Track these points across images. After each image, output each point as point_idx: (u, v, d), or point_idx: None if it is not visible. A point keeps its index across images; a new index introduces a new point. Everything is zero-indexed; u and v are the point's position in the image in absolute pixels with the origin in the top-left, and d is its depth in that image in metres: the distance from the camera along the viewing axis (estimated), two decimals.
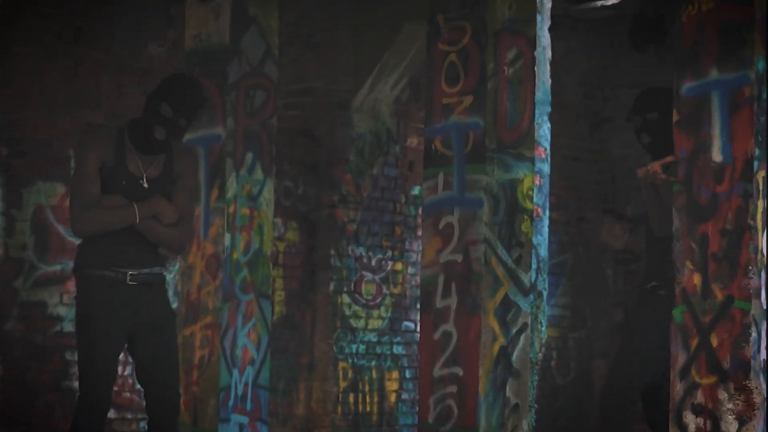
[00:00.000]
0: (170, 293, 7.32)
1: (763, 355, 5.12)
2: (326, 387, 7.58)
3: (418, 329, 6.98)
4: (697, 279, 5.20)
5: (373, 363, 7.78)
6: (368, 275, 7.76)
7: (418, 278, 7.70)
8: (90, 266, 4.86)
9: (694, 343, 5.19)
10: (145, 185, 4.90)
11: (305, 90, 7.66)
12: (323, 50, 7.65)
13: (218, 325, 6.22)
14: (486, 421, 5.34)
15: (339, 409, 7.60)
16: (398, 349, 7.90)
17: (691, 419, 5.16)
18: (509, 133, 5.42)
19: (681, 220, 5.31)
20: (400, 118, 7.89)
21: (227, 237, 6.24)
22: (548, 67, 5.47)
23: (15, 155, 6.89)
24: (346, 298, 7.66)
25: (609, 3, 7.27)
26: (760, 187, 5.13)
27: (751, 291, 5.08)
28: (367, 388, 7.72)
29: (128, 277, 4.85)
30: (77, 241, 5.05)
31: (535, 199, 5.41)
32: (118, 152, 4.87)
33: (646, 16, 7.89)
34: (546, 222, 5.46)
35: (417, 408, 5.85)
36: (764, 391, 5.11)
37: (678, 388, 5.21)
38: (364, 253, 7.74)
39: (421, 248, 5.92)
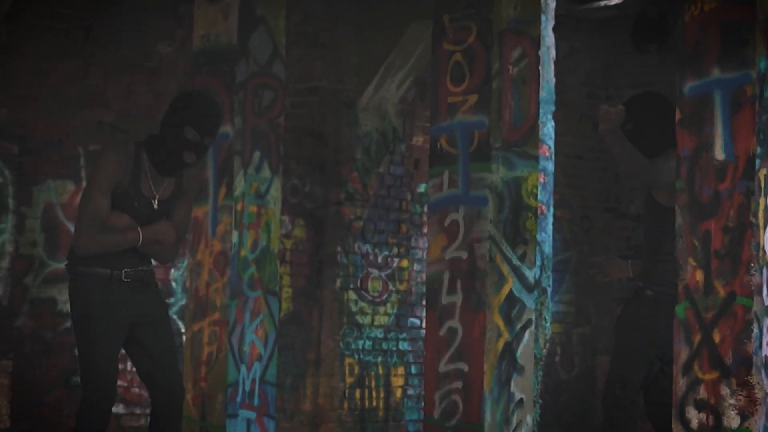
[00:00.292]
0: (179, 290, 7.40)
1: (764, 351, 5.07)
2: (333, 383, 7.57)
3: (424, 325, 6.97)
4: (699, 276, 5.17)
5: (380, 359, 7.77)
6: (374, 272, 7.75)
7: (423, 275, 7.70)
8: (84, 264, 4.85)
9: (697, 339, 5.16)
10: (156, 207, 4.90)
11: (312, 89, 7.63)
12: (329, 50, 7.63)
13: (226, 321, 6.22)
14: (491, 417, 5.34)
15: (345, 405, 7.59)
16: (404, 345, 7.89)
17: (693, 414, 5.14)
18: (514, 131, 5.43)
19: (684, 218, 5.27)
20: (406, 117, 7.87)
21: (235, 234, 6.25)
22: (552, 67, 5.48)
23: (25, 154, 6.92)
24: (352, 295, 7.65)
25: (612, 3, 7.23)
26: (762, 185, 5.10)
27: (753, 288, 5.05)
28: (373, 384, 7.71)
29: (123, 275, 4.85)
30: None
31: (539, 197, 5.43)
32: (133, 173, 4.84)
33: (649, 16, 7.86)
34: (550, 219, 5.48)
35: (423, 403, 5.85)
36: (766, 387, 5.08)
37: (681, 383, 5.18)
38: (370, 250, 7.73)
39: (426, 245, 5.90)
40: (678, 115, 5.36)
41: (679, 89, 5.35)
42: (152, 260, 5.05)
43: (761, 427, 5.06)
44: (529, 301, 5.39)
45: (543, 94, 5.44)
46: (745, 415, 5.05)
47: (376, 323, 7.78)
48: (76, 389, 7.01)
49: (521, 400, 5.37)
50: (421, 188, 7.92)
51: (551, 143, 5.49)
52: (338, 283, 7.62)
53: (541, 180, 5.43)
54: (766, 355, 5.11)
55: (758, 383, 5.05)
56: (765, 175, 5.15)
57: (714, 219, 5.19)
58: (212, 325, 6.30)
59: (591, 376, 8.52)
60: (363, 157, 7.72)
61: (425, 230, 7.64)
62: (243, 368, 6.24)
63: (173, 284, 7.39)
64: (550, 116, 5.48)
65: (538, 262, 5.41)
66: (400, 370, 7.87)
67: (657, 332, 5.66)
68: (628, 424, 5.84)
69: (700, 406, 5.15)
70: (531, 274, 5.39)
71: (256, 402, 6.29)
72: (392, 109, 7.83)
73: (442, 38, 5.59)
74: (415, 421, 7.86)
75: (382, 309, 7.81)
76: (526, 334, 5.38)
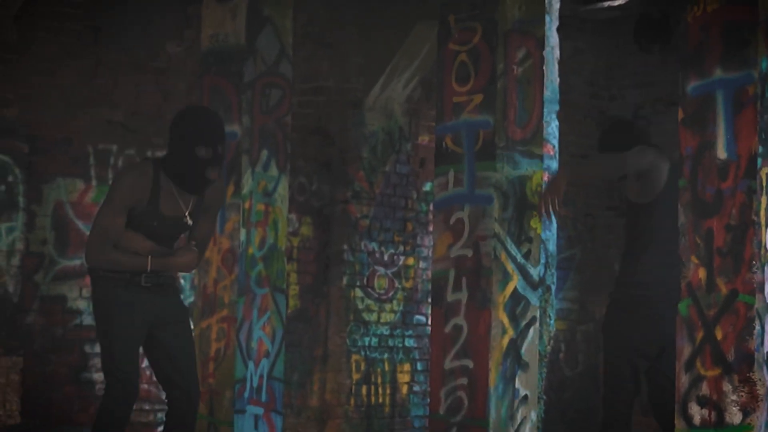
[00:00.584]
0: (187, 287, 7.43)
1: (766, 348, 5.04)
2: (339, 379, 7.59)
3: (430, 322, 6.99)
4: (702, 273, 5.17)
5: (386, 355, 7.78)
6: (381, 270, 7.77)
7: (429, 273, 7.72)
8: (105, 267, 4.84)
9: (699, 336, 5.16)
10: (189, 222, 4.90)
11: (318, 89, 7.65)
12: (336, 50, 7.64)
13: (234, 318, 6.24)
14: (495, 413, 5.33)
15: (352, 401, 7.61)
16: (410, 342, 7.90)
17: (696, 410, 5.14)
18: (518, 131, 5.42)
19: (686, 216, 5.25)
20: (412, 117, 7.88)
21: (243, 232, 6.27)
22: (556, 67, 5.47)
23: (35, 153, 6.92)
24: (358, 292, 7.67)
25: (615, 4, 7.20)
26: (764, 184, 5.10)
27: (755, 285, 5.06)
28: (379, 380, 7.73)
29: (143, 280, 4.86)
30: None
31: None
32: (152, 193, 4.82)
33: (652, 17, 7.86)
34: (554, 218, 5.47)
35: (428, 399, 5.85)
36: None
37: (683, 380, 5.18)
38: (376, 248, 7.74)
39: (432, 243, 5.87)
40: (681, 115, 5.36)
41: (681, 89, 5.34)
42: None
43: (763, 423, 5.05)
44: (534, 299, 5.38)
45: (547, 93, 5.43)
46: (747, 411, 5.05)
47: (382, 320, 7.79)
48: (86, 385, 7.06)
49: (526, 397, 5.38)
50: (427, 187, 7.93)
51: (555, 142, 5.47)
52: (345, 280, 7.64)
53: (546, 179, 5.41)
54: (767, 352, 5.14)
55: (760, 380, 5.05)
56: (767, 173, 5.17)
57: (716, 217, 5.19)
58: (220, 322, 6.32)
59: (595, 373, 8.52)
60: (369, 156, 7.72)
61: (431, 228, 7.66)
62: (251, 364, 6.26)
63: (182, 281, 7.42)
64: (554, 116, 5.46)
65: (543, 260, 5.40)
66: (406, 367, 7.89)
67: (638, 332, 5.71)
68: (623, 426, 5.86)
69: (703, 402, 5.15)
70: (535, 272, 5.39)
71: (263, 398, 6.31)
72: (398, 109, 7.84)
73: (447, 39, 5.57)
74: (420, 417, 7.87)
75: (388, 306, 7.82)
76: (531, 331, 5.39)
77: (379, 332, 7.78)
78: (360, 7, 7.64)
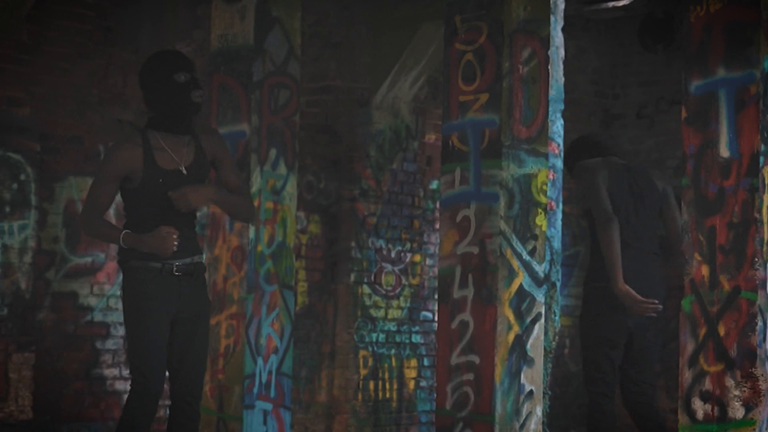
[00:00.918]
0: None
1: None
2: (347, 375, 7.59)
3: (436, 319, 7.06)
4: (705, 270, 5.22)
5: (393, 351, 7.78)
6: (388, 267, 7.76)
7: (435, 269, 7.74)
8: (136, 258, 4.80)
9: (702, 332, 5.21)
10: (185, 173, 4.83)
11: (326, 88, 7.64)
12: (343, 50, 7.63)
13: (243, 315, 6.24)
14: (501, 408, 5.34)
15: (359, 396, 7.61)
16: (417, 338, 7.89)
17: (699, 406, 5.19)
18: (524, 129, 5.43)
19: (689, 214, 5.28)
20: (419, 115, 7.86)
21: (252, 230, 6.27)
22: (561, 66, 5.48)
23: (47, 151, 6.90)
24: (366, 289, 7.66)
25: (620, 4, 7.15)
26: (766, 182, 5.16)
27: (757, 282, 5.13)
28: (386, 376, 7.71)
29: (174, 268, 4.80)
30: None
31: (548, 193, 5.43)
32: (146, 156, 4.79)
33: (656, 17, 7.87)
34: (559, 215, 5.49)
35: (435, 395, 5.85)
36: None
37: (687, 375, 5.22)
38: (383, 246, 7.73)
39: (438, 241, 5.85)
40: (684, 113, 5.39)
41: (684, 88, 5.36)
42: (203, 252, 5.04)
43: (765, 418, 5.10)
44: (539, 295, 5.40)
45: (552, 93, 5.44)
46: (749, 406, 5.11)
47: (389, 317, 7.78)
48: (97, 381, 7.08)
49: (531, 392, 5.39)
50: (434, 185, 7.93)
51: (560, 141, 5.49)
52: (352, 277, 7.63)
53: (551, 177, 5.44)
54: None
55: (762, 375, 5.10)
56: None
57: (719, 215, 5.22)
58: (229, 319, 6.33)
59: None
60: (376, 154, 7.71)
61: (437, 226, 7.65)
62: (260, 360, 6.26)
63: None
64: (559, 114, 5.47)
65: (548, 257, 5.41)
66: (413, 363, 7.88)
67: (607, 323, 5.79)
68: (606, 417, 5.90)
69: (706, 397, 5.20)
70: (540, 269, 5.40)
71: (272, 393, 6.32)
72: (405, 108, 7.83)
73: (453, 38, 5.57)
74: (427, 412, 7.86)
75: (395, 303, 7.81)
76: (536, 327, 5.40)
77: (386, 328, 7.78)
78: (368, 8, 7.63)
